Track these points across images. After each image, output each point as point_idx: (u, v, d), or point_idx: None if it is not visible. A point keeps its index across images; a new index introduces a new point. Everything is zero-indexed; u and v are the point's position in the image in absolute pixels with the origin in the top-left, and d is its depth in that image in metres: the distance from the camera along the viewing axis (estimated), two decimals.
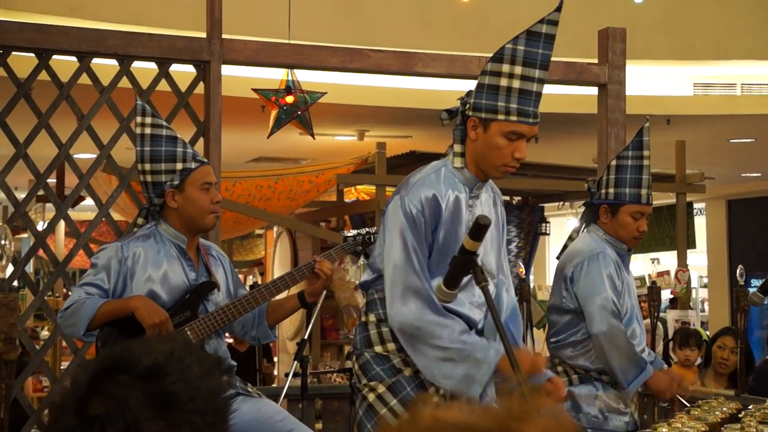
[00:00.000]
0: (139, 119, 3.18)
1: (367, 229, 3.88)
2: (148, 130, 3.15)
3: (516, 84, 2.63)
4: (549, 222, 10.00)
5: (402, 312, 2.62)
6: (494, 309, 1.99)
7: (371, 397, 2.71)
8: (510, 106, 2.62)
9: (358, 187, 9.82)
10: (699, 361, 5.45)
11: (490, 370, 2.57)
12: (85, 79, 3.89)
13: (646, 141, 3.47)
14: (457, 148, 2.73)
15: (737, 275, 4.38)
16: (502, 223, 2.89)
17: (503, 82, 2.63)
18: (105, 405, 1.05)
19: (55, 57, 3.87)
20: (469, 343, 2.61)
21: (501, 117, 2.61)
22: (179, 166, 3.10)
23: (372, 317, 2.76)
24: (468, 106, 2.68)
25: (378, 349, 2.73)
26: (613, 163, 3.49)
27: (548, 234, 10.11)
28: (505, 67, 2.63)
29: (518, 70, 2.63)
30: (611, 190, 3.45)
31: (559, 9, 2.68)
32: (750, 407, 3.22)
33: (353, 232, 3.75)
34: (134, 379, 1.06)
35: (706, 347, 5.41)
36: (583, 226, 3.61)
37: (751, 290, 4.54)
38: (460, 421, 0.84)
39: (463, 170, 2.72)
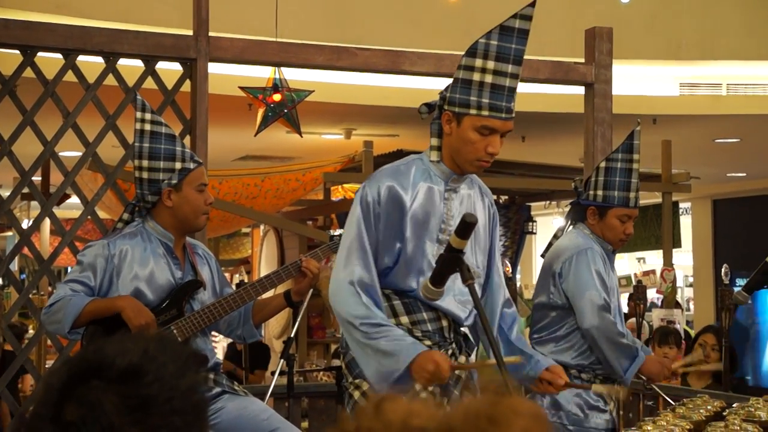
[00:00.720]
0: (138, 115, 3.16)
1: None
2: (147, 127, 3.14)
3: (488, 79, 2.62)
4: (535, 221, 10.03)
5: (337, 302, 2.63)
6: (480, 308, 2.00)
7: (356, 394, 2.70)
8: (482, 100, 2.61)
9: (345, 185, 9.81)
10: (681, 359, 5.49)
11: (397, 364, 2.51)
12: (70, 76, 3.87)
13: (636, 144, 3.48)
14: (434, 141, 2.73)
15: (722, 274, 4.41)
16: (494, 224, 2.87)
17: (476, 76, 2.63)
18: (80, 411, 1.04)
19: (40, 54, 3.85)
20: (384, 336, 2.56)
21: (473, 111, 2.62)
22: (178, 165, 3.09)
23: None
24: (444, 100, 2.68)
25: None
26: (602, 164, 3.50)
27: (534, 233, 10.14)
28: (478, 62, 2.63)
29: (491, 65, 2.62)
30: (600, 192, 3.47)
31: (533, 5, 2.67)
32: (734, 405, 3.24)
33: (339, 231, 3.76)
34: (108, 384, 1.05)
35: (686, 346, 5.45)
36: (569, 224, 3.62)
37: (736, 289, 4.56)
38: (433, 423, 0.83)
39: (439, 164, 2.72)
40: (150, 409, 1.04)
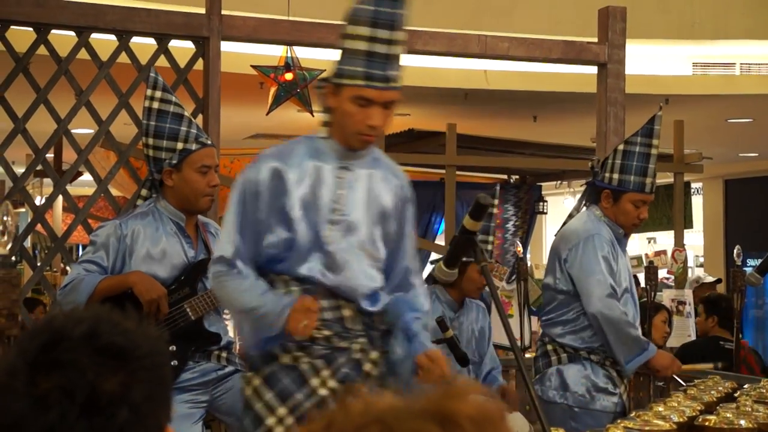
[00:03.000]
0: (149, 92, 3.16)
1: None
2: (156, 105, 3.14)
3: (362, 46, 2.44)
4: (546, 201, 10.01)
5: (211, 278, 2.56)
6: (492, 285, 1.99)
7: (248, 391, 2.56)
8: (356, 69, 2.43)
9: None
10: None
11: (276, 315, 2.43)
12: (83, 54, 3.87)
13: (657, 130, 3.44)
14: (324, 117, 2.58)
15: (734, 256, 4.40)
16: (403, 207, 2.64)
17: (350, 44, 2.45)
18: (58, 375, 1.02)
19: (53, 32, 3.85)
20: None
21: (347, 81, 2.44)
22: (179, 145, 3.09)
23: None
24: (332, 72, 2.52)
25: None
26: (621, 147, 3.45)
27: (545, 213, 10.12)
28: (353, 29, 2.46)
29: (365, 31, 2.44)
30: (615, 176, 3.43)
31: None
32: (745, 386, 3.24)
33: None
34: (78, 343, 1.04)
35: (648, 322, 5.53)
36: (582, 204, 3.60)
37: (747, 270, 4.55)
38: (392, 405, 0.82)
39: (329, 140, 2.55)
40: (124, 354, 1.04)
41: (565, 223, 3.61)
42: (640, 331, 3.40)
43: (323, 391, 2.51)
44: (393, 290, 2.63)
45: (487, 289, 3.91)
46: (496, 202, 4.29)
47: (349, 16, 2.48)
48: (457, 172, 8.26)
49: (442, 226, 8.19)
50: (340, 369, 2.54)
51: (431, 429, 0.81)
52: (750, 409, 2.74)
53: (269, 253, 2.53)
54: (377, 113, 2.46)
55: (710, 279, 7.53)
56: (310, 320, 2.38)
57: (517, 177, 10.18)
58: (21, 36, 3.92)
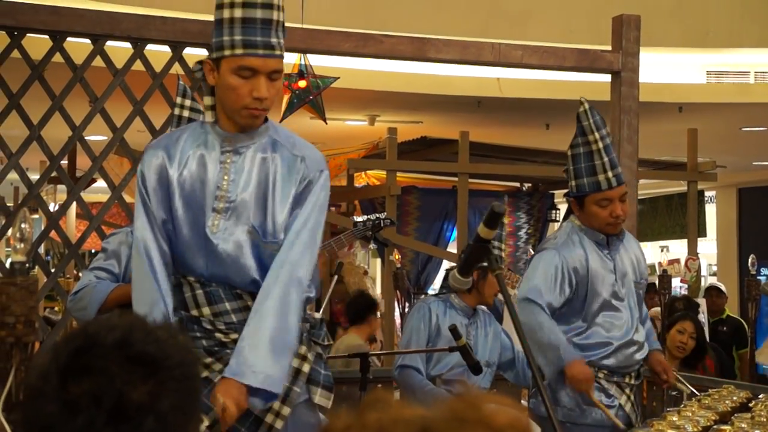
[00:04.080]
0: (179, 100, 3.13)
1: (377, 215, 3.92)
2: (186, 113, 3.11)
3: (238, 13, 2.31)
4: (559, 209, 9.99)
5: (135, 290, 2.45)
6: (507, 293, 1.98)
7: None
8: (234, 38, 2.31)
9: (368, 172, 9.83)
10: None
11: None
12: (99, 61, 3.89)
13: (586, 126, 3.26)
14: (207, 101, 2.43)
15: (749, 264, 4.37)
16: (302, 178, 2.44)
17: (225, 13, 2.33)
18: (88, 381, 1.03)
19: (69, 39, 3.87)
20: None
21: (227, 52, 2.31)
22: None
23: None
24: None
25: None
26: (569, 153, 3.33)
27: (557, 221, 10.10)
28: None
29: None
30: (572, 183, 3.32)
31: None
32: (760, 396, 3.22)
33: (363, 217, 3.78)
34: (109, 349, 1.04)
35: (661, 331, 5.49)
36: (564, 216, 3.53)
37: (762, 278, 4.53)
38: (413, 415, 0.82)
39: (214, 125, 2.43)
40: (153, 365, 1.05)
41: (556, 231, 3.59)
42: (561, 338, 3.19)
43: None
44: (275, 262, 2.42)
45: (499, 296, 3.90)
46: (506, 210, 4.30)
47: None
48: (470, 180, 8.26)
49: (454, 234, 8.19)
50: None
51: None
52: (765, 420, 2.73)
53: (173, 253, 2.44)
54: (262, 84, 2.32)
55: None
56: None
57: (530, 185, 10.17)
58: (37, 43, 3.95)
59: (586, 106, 3.29)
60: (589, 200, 3.26)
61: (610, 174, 3.22)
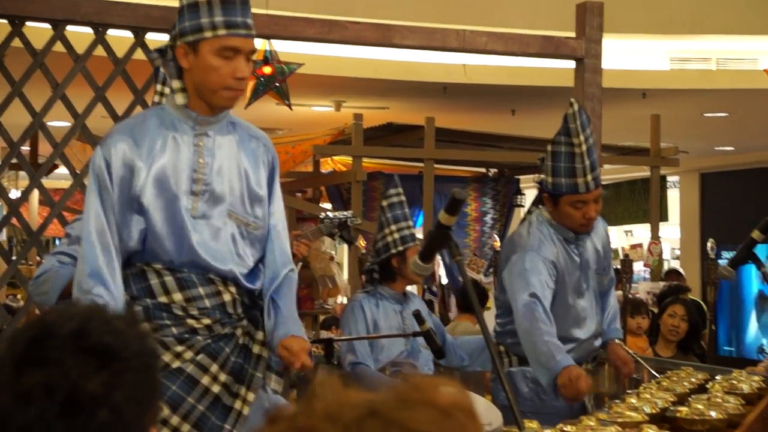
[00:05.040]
0: (159, 87, 3.12)
1: (345, 213, 3.94)
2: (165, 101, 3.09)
3: None
4: (524, 194, 10.06)
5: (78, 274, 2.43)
6: (468, 282, 2.00)
7: None
8: (215, 20, 2.32)
9: (334, 157, 9.82)
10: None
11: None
12: (59, 47, 3.85)
13: (572, 128, 3.16)
14: (176, 84, 2.42)
15: (708, 249, 4.44)
16: (270, 168, 2.55)
17: None
18: (42, 371, 1.02)
19: (28, 24, 3.82)
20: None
21: (208, 34, 2.33)
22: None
23: (126, 295, 2.48)
24: (175, 36, 2.38)
25: None
26: (549, 148, 3.23)
27: (523, 206, 10.17)
28: None
29: None
30: (549, 180, 3.21)
31: None
32: (717, 378, 3.28)
33: (331, 214, 3.80)
34: (64, 340, 1.04)
35: (652, 316, 5.55)
36: (533, 204, 3.43)
37: (722, 262, 4.60)
38: (359, 399, 0.83)
39: (183, 108, 2.42)
40: (110, 356, 1.04)
41: (522, 221, 3.45)
42: (558, 344, 3.05)
43: (216, 388, 2.44)
44: (265, 258, 2.52)
45: (440, 282, 3.91)
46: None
47: None
48: (436, 166, 8.29)
49: (421, 219, 8.22)
50: (228, 360, 2.46)
51: (432, 417, 0.82)
52: (721, 400, 2.78)
53: (132, 242, 2.41)
54: (243, 64, 2.36)
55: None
56: None
57: (496, 170, 10.22)
58: None
59: (576, 107, 3.20)
60: (564, 200, 3.20)
61: (588, 177, 3.16)
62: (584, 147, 3.16)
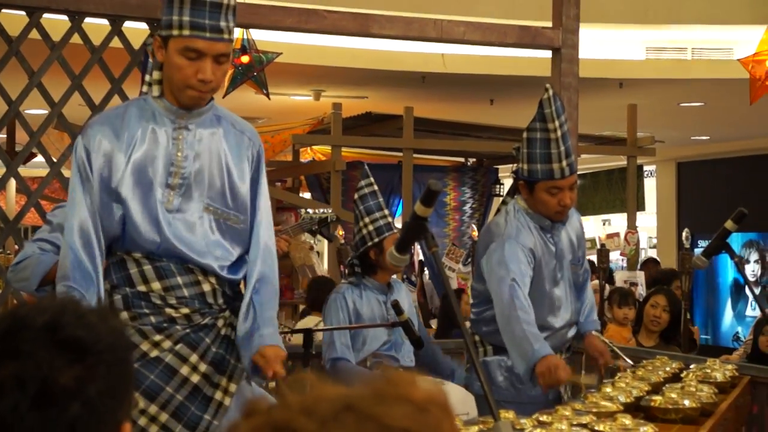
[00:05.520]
0: (148, 78, 3.09)
1: (325, 211, 3.93)
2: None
3: None
4: (503, 183, 10.08)
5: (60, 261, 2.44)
6: (444, 273, 2.00)
7: None
8: (183, 19, 2.29)
9: (314, 147, 9.79)
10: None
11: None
12: (35, 34, 3.80)
13: (548, 113, 3.14)
14: (156, 75, 2.41)
15: (683, 238, 4.47)
16: (257, 161, 2.53)
17: None
18: (14, 364, 1.01)
19: (4, 11, 3.78)
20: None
21: (175, 32, 2.30)
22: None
23: (106, 284, 2.46)
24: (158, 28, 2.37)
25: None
26: (524, 135, 3.20)
27: (502, 195, 10.19)
28: None
29: None
30: (525, 166, 3.19)
31: None
32: (691, 366, 3.31)
33: (311, 212, 3.81)
34: (37, 333, 1.03)
35: (638, 306, 5.57)
36: (508, 194, 3.42)
37: (698, 251, 4.63)
38: (335, 394, 0.83)
39: (161, 99, 2.41)
40: (83, 349, 1.04)
41: (498, 211, 3.42)
42: (536, 333, 3.02)
43: (195, 378, 2.42)
44: (251, 248, 2.50)
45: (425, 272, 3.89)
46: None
47: None
48: (415, 155, 8.28)
49: (401, 209, 8.22)
50: (209, 350, 2.45)
51: (407, 412, 0.82)
52: (694, 389, 2.80)
53: (113, 231, 2.40)
54: (207, 67, 2.32)
55: None
56: None
57: (474, 160, 10.23)
58: None
59: (550, 92, 3.18)
60: (539, 186, 3.17)
61: (564, 163, 3.14)
62: (559, 132, 3.15)
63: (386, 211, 3.95)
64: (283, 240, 3.26)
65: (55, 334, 1.03)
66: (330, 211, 3.94)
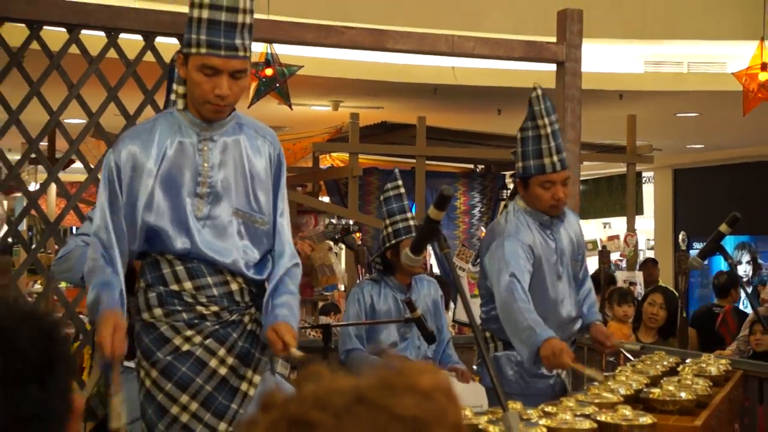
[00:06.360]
0: (175, 86, 3.10)
1: (347, 222, 3.95)
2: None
3: (205, 14, 2.31)
4: (510, 189, 10.05)
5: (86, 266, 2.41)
6: (455, 272, 1.99)
7: (147, 382, 2.45)
8: (200, 38, 2.31)
9: (332, 154, 9.80)
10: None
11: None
12: (74, 49, 3.83)
13: (537, 110, 3.17)
14: (180, 89, 2.43)
15: (679, 240, 4.44)
16: (277, 164, 2.53)
17: (195, 13, 2.33)
18: None
19: (45, 28, 3.80)
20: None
21: (193, 50, 2.32)
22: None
23: (142, 283, 2.50)
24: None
25: (145, 316, 2.46)
26: (517, 136, 3.23)
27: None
28: None
29: None
30: (519, 164, 3.21)
31: None
32: (688, 361, 3.28)
33: (335, 221, 3.81)
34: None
35: (637, 304, 5.55)
36: (509, 197, 3.43)
37: (693, 253, 4.61)
38: (346, 385, 0.82)
39: (186, 112, 2.42)
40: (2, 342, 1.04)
41: (501, 212, 3.41)
42: (537, 319, 3.00)
43: (223, 371, 2.43)
44: (271, 251, 2.51)
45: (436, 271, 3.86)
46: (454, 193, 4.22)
47: None
48: (427, 162, 8.27)
49: (414, 212, 8.20)
50: (236, 344, 2.46)
51: (415, 401, 0.81)
52: (690, 382, 2.78)
53: (137, 244, 2.42)
54: (224, 83, 2.33)
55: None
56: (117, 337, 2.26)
57: (483, 166, 10.21)
58: (15, 32, 3.88)
59: (539, 92, 3.22)
60: (533, 182, 3.18)
61: (555, 158, 3.14)
62: (549, 129, 3.16)
63: (408, 214, 3.92)
64: (307, 245, 3.28)
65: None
66: (351, 222, 3.94)
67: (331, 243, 9.59)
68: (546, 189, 3.17)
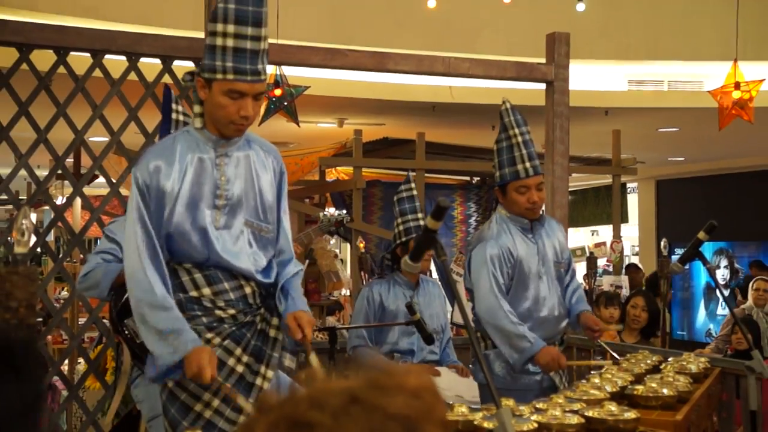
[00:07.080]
0: (173, 106, 3.13)
1: (339, 212, 3.94)
2: (180, 117, 3.11)
3: (230, 43, 2.34)
4: None
5: (134, 283, 2.39)
6: (451, 278, 1.99)
7: (170, 383, 2.45)
8: (226, 65, 2.34)
9: (338, 168, 9.81)
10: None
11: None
12: (98, 73, 3.85)
13: (507, 122, 3.23)
14: (197, 108, 2.45)
15: (661, 247, 4.44)
16: (280, 178, 2.57)
17: (218, 41, 2.34)
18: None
19: (71, 54, 3.82)
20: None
21: (219, 76, 2.34)
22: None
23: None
24: (200, 68, 2.42)
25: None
26: (493, 148, 3.27)
27: None
28: (219, 27, 2.34)
29: (231, 28, 2.33)
30: (497, 174, 3.25)
31: None
32: (670, 359, 3.28)
33: (328, 213, 3.80)
34: None
35: (622, 307, 5.54)
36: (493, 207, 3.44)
37: (674, 258, 4.60)
38: (340, 386, 0.81)
39: (203, 131, 2.44)
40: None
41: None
42: (524, 329, 3.09)
43: (240, 368, 2.47)
44: (276, 254, 2.55)
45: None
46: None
47: (215, 14, 2.36)
48: (426, 175, 8.28)
49: None
50: (249, 343, 2.49)
51: (405, 400, 0.81)
52: (672, 379, 2.78)
53: (167, 244, 2.42)
54: (248, 104, 2.37)
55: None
56: (198, 377, 2.28)
57: (478, 178, 10.21)
58: (43, 57, 3.90)
59: (508, 105, 3.27)
60: (510, 188, 3.21)
61: (528, 164, 3.17)
62: (520, 139, 3.20)
63: (419, 215, 3.92)
64: (295, 245, 3.29)
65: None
66: (344, 212, 3.92)
67: (336, 251, 9.59)
68: (521, 194, 3.20)
